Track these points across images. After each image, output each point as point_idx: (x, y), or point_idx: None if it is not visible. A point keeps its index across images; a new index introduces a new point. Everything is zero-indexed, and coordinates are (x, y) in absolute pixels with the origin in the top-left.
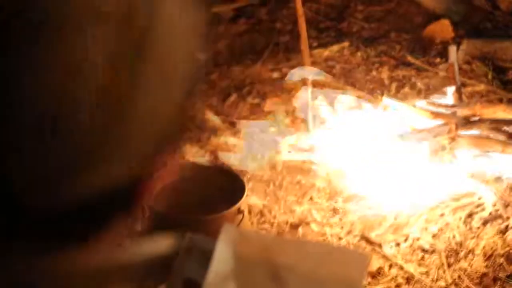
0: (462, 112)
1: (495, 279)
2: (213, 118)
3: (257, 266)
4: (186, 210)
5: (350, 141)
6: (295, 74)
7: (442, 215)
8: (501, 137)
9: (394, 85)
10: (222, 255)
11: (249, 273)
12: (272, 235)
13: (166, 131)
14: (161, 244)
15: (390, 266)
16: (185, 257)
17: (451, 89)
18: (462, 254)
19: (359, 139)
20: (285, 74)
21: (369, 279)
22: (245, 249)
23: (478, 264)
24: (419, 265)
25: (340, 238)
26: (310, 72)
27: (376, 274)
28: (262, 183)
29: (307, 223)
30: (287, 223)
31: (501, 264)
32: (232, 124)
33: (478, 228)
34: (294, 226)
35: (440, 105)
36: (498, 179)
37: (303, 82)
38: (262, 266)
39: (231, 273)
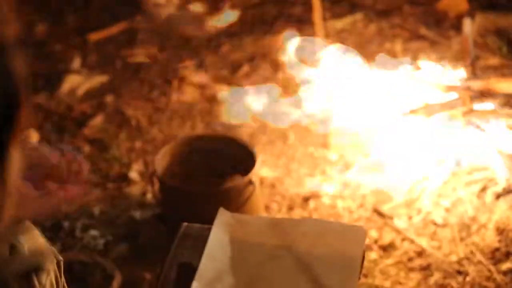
0: (476, 85)
1: (507, 254)
2: None
3: (253, 249)
4: (197, 182)
5: (362, 110)
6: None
7: (454, 189)
8: None
9: (408, 58)
10: (217, 240)
11: (246, 256)
12: (267, 218)
13: None
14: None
15: (402, 240)
16: (180, 244)
17: (465, 63)
18: (474, 228)
19: (372, 110)
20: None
21: (381, 253)
22: (241, 234)
23: (490, 238)
24: (431, 239)
25: (351, 212)
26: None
27: (388, 248)
28: (274, 155)
29: (319, 196)
30: (298, 196)
31: None
32: None
33: (491, 202)
34: (306, 199)
35: (454, 79)
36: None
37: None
38: (259, 249)
39: (227, 258)
